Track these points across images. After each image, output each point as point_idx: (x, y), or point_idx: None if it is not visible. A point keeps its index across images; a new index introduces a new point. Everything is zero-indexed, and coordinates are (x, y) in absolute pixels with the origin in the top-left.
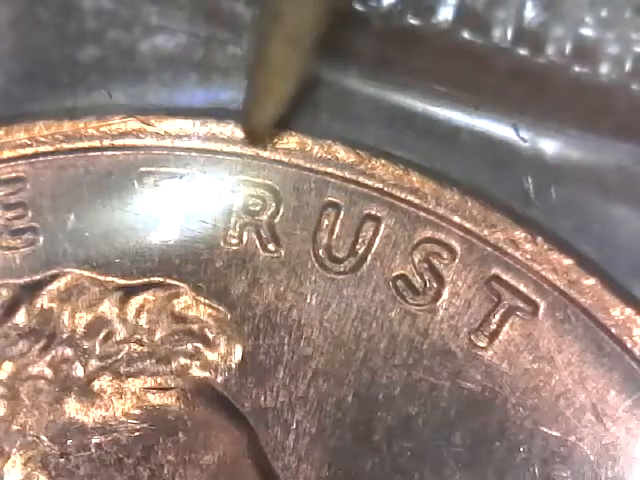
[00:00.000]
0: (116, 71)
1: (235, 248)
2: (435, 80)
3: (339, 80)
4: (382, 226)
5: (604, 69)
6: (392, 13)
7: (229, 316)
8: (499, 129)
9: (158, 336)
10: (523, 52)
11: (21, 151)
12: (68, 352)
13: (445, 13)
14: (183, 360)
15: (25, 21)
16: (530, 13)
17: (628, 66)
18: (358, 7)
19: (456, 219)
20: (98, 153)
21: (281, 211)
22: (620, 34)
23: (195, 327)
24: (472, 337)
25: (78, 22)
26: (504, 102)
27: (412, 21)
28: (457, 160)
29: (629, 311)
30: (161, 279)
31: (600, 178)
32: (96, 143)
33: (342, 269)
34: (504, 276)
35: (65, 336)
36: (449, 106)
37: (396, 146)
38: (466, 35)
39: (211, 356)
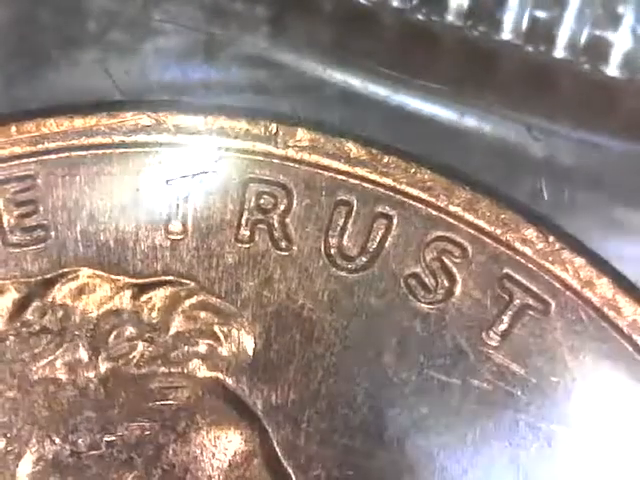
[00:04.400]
0: (116, 72)
1: (247, 246)
2: (445, 78)
3: (346, 77)
4: (394, 224)
5: (615, 66)
6: (403, 10)
7: (240, 314)
8: (512, 128)
9: (169, 335)
10: (534, 49)
11: (32, 148)
12: (80, 351)
13: (457, 10)
14: (195, 359)
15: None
16: (541, 10)
17: None
18: (366, 2)
19: (468, 217)
20: (109, 150)
21: (293, 209)
22: (632, 32)
23: (206, 325)
24: (483, 336)
25: (79, 22)
26: (515, 100)
27: (423, 18)
28: (469, 159)
29: None
30: (172, 277)
31: (613, 177)
32: (107, 140)
33: (354, 267)
34: (516, 275)
35: (77, 334)
36: (460, 105)
37: (406, 145)
38: (477, 32)
39: (222, 355)
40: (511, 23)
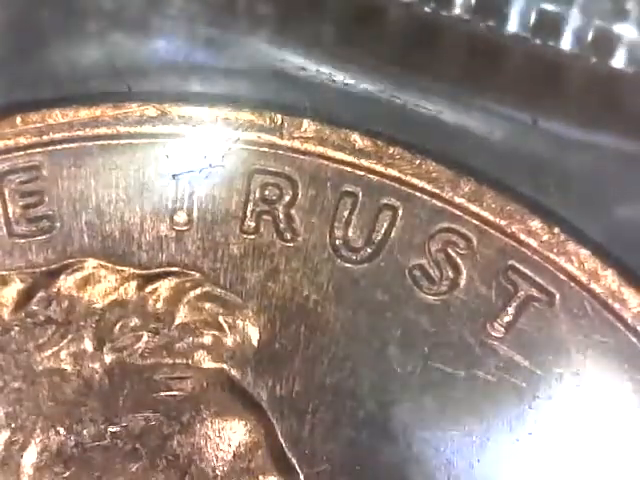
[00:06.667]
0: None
1: (252, 237)
2: (453, 72)
3: (353, 75)
4: (399, 215)
5: (622, 60)
6: (410, 3)
7: (245, 305)
8: (518, 122)
9: (174, 325)
10: (541, 42)
11: (37, 139)
12: (84, 342)
13: (464, 3)
14: (199, 350)
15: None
16: (548, 3)
17: None
18: None
19: (473, 209)
20: (115, 141)
21: (298, 200)
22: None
23: (211, 316)
24: (488, 327)
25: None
26: (523, 95)
27: (430, 11)
28: (475, 154)
29: None
30: (177, 268)
31: (619, 172)
32: (113, 131)
33: (359, 258)
34: (520, 266)
35: (81, 325)
36: (467, 98)
37: (412, 141)
38: (484, 25)
39: (227, 346)
40: (518, 16)
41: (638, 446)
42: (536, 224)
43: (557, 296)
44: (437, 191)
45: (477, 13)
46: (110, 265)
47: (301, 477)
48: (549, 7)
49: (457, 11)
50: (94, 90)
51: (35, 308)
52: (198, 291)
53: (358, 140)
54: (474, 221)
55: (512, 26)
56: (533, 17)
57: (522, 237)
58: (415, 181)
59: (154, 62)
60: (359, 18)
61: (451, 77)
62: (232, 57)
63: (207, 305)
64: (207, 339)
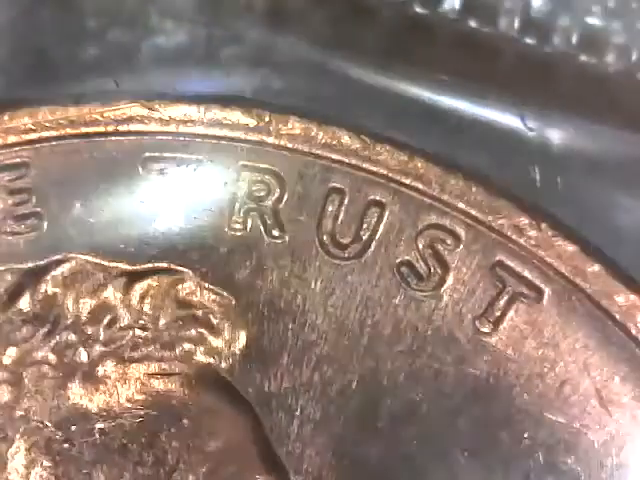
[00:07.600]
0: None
1: (239, 234)
2: (442, 70)
3: (345, 69)
4: (386, 212)
5: (610, 59)
6: (401, 2)
7: (233, 302)
8: (506, 118)
9: (162, 322)
10: (530, 41)
11: (25, 136)
12: (72, 337)
13: (452, 2)
14: (187, 346)
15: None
16: (537, 2)
17: (634, 56)
18: None
19: (461, 205)
20: (103, 138)
21: (285, 197)
22: (627, 24)
23: (199, 313)
24: (476, 323)
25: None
26: (511, 91)
27: (420, 10)
28: (463, 149)
29: (633, 297)
30: (166, 265)
31: (605, 167)
32: (101, 128)
33: (346, 255)
34: (509, 262)
35: (69, 321)
36: (456, 96)
37: (402, 136)
38: (473, 24)
39: (215, 342)
40: (507, 15)
41: (630, 442)
42: (523, 220)
43: (545, 292)
44: (425, 188)
45: (466, 12)
46: (98, 262)
47: (289, 474)
48: (538, 5)
49: (446, 10)
50: (81, 88)
51: (23, 305)
52: (186, 287)
53: (345, 137)
54: (462, 217)
55: (502, 25)
56: (523, 16)
57: (510, 233)
58: (402, 178)
59: (147, 59)
60: (353, 14)
61: (441, 76)
62: (224, 54)
63: (195, 302)
64: (195, 335)
